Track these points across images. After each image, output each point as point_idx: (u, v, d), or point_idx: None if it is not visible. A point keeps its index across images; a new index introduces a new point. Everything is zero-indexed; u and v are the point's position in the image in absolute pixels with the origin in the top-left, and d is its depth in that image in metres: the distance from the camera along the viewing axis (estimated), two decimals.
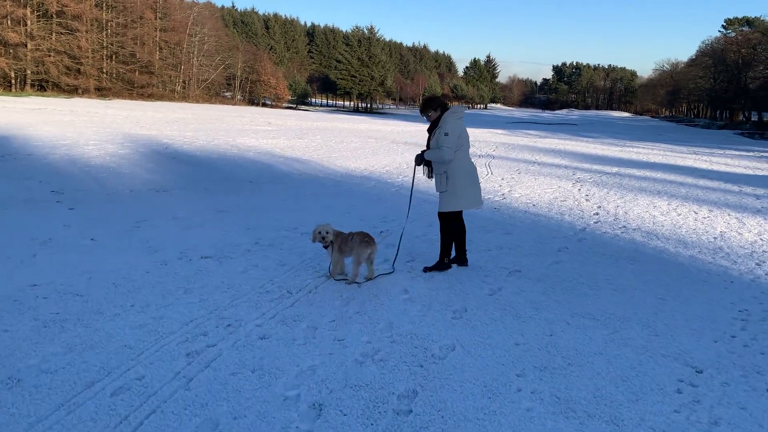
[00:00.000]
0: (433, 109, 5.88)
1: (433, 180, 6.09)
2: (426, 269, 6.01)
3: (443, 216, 6.01)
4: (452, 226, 6.04)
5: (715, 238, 8.34)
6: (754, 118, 68.26)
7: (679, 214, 10.04)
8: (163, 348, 3.90)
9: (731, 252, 7.54)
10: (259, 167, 14.13)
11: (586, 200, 11.16)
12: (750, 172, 18.22)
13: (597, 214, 9.78)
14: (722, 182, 14.92)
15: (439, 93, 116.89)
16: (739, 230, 8.94)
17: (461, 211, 6.10)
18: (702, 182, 14.75)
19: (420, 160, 6.01)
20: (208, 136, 21.50)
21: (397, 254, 6.29)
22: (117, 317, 4.42)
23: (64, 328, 4.15)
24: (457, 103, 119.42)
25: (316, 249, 6.39)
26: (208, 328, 4.30)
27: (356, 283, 5.50)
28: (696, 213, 10.24)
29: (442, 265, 6.05)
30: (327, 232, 5.45)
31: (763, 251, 7.65)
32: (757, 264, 6.98)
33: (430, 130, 5.94)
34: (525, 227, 8.53)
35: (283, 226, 7.80)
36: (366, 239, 5.55)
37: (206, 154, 15.94)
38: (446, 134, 5.64)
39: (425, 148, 6.00)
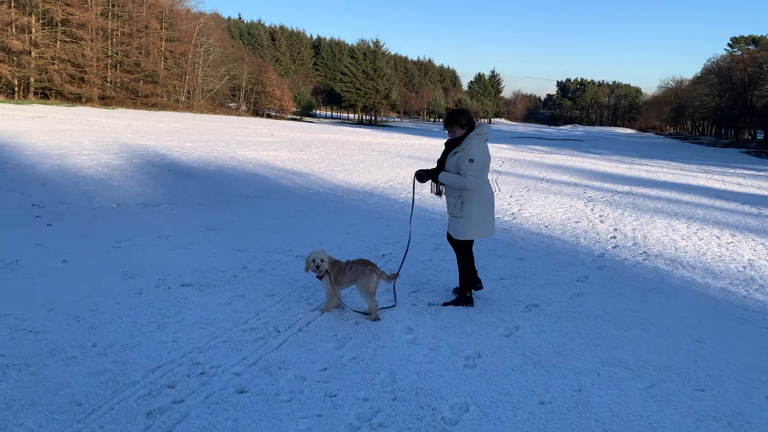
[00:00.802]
0: (460, 125, 5.16)
1: (443, 199, 5.50)
2: (446, 304, 5.38)
3: (458, 242, 5.41)
4: (469, 251, 5.43)
5: (744, 267, 7.68)
6: (760, 136, 67.61)
7: (701, 239, 9.38)
8: (119, 404, 3.26)
9: (765, 284, 6.88)
10: (257, 181, 13.52)
11: (601, 221, 10.51)
12: (765, 193, 17.56)
13: (614, 237, 9.13)
14: (739, 203, 14.26)
15: (442, 107, 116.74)
16: (767, 258, 8.29)
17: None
18: (719, 203, 14.09)
19: (422, 178, 5.37)
20: (208, 147, 20.93)
21: (395, 280, 5.47)
22: (72, 361, 3.78)
23: (6, 376, 3.52)
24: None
25: (310, 277, 5.75)
26: (178, 376, 3.66)
27: (378, 318, 4.88)
28: (718, 238, 9.58)
29: (464, 300, 5.42)
30: (322, 260, 4.82)
31: None
32: None
33: (449, 145, 5.30)
34: (539, 252, 7.88)
35: (276, 248, 7.16)
36: (369, 266, 4.92)
37: (203, 166, 15.34)
38: (471, 161, 5.02)
39: (436, 166, 5.40)
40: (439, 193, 5.49)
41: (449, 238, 5.53)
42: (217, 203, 10.27)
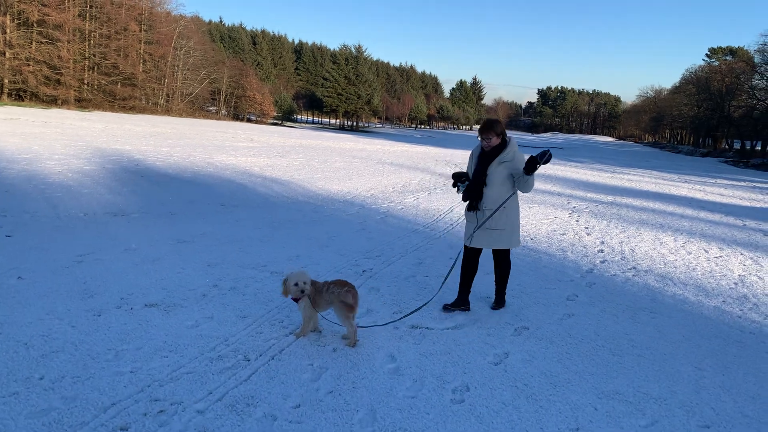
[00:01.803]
0: (496, 133, 5.27)
1: (480, 214, 5.40)
2: (495, 307, 5.74)
3: (506, 253, 5.64)
4: (510, 260, 5.75)
5: (735, 283, 7.46)
6: (737, 145, 68.46)
7: (690, 253, 9.17)
8: None
9: (759, 302, 6.64)
10: (234, 188, 13.09)
11: (587, 234, 10.26)
12: (747, 203, 17.52)
13: (602, 251, 8.87)
14: (723, 215, 14.14)
15: (424, 113, 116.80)
16: (758, 273, 8.07)
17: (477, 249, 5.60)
18: (703, 214, 13.96)
19: (467, 197, 5.44)
20: (185, 152, 20.43)
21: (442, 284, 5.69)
22: (14, 398, 3.37)
23: None
24: (439, 125, 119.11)
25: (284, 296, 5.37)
26: (133, 416, 3.27)
27: (356, 342, 4.52)
28: (707, 251, 9.38)
29: (504, 301, 5.84)
30: (305, 283, 4.44)
31: None
32: None
33: (483, 158, 5.38)
34: (525, 267, 7.58)
35: (250, 263, 6.76)
36: (346, 288, 4.55)
37: (178, 173, 14.87)
38: None
39: (467, 180, 5.48)
40: (476, 208, 5.42)
41: (502, 253, 5.62)
42: (191, 213, 9.83)
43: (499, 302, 5.74)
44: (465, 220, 5.65)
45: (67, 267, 6.09)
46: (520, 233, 6.19)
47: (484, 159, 5.36)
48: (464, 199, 5.49)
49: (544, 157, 5.06)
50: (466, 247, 5.58)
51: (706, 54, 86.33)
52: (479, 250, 5.58)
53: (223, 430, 3.20)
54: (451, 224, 10.29)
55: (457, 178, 5.48)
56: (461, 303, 5.60)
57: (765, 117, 56.75)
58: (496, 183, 5.25)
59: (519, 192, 5.39)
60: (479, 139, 5.37)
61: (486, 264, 7.36)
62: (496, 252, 5.61)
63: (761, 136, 59.98)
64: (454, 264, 5.77)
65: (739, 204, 17.01)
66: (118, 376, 3.73)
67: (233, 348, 4.29)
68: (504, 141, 5.31)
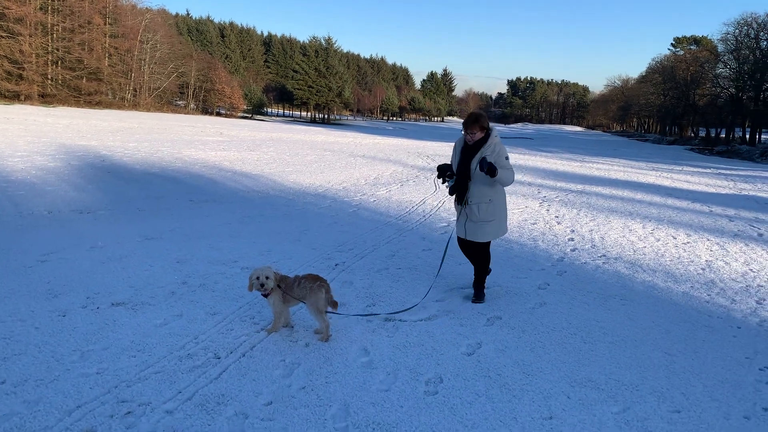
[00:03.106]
0: (481, 127, 5.30)
1: (467, 208, 5.47)
2: (475, 301, 5.65)
3: (487, 245, 5.68)
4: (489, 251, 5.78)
5: (703, 269, 7.58)
6: (702, 133, 69.79)
7: (658, 239, 9.30)
8: None
9: (725, 287, 6.76)
10: (203, 183, 12.90)
11: (558, 223, 10.34)
12: (713, 190, 17.85)
13: (572, 240, 8.95)
14: (690, 201, 14.39)
15: (395, 105, 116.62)
16: (724, 258, 8.22)
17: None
18: (670, 201, 14.18)
19: (493, 172, 5.19)
20: (152, 147, 20.07)
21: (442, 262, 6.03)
22: None
23: None
24: (411, 117, 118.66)
25: (256, 293, 5.30)
26: (99, 419, 3.18)
27: (329, 337, 4.47)
28: (674, 238, 9.52)
29: (484, 294, 5.77)
30: (267, 278, 4.37)
31: (758, 285, 6.89)
32: (757, 303, 6.19)
33: (466, 151, 5.41)
34: (497, 257, 7.60)
35: (220, 259, 6.66)
36: (318, 282, 4.50)
37: (146, 168, 14.60)
38: (506, 158, 5.33)
39: (450, 172, 5.52)
40: (463, 201, 5.48)
41: (466, 243, 5.68)
42: (159, 209, 9.65)
43: (478, 296, 5.69)
44: (455, 212, 5.78)
45: (30, 267, 5.93)
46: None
47: (467, 153, 5.39)
48: (451, 194, 5.56)
49: (484, 168, 5.13)
50: (459, 238, 5.73)
51: (671, 43, 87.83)
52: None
53: (192, 430, 3.14)
54: (424, 216, 10.28)
55: (442, 172, 5.52)
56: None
57: (728, 105, 57.96)
58: (480, 176, 5.26)
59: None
60: (462, 132, 5.39)
61: (456, 254, 7.38)
62: (477, 244, 5.63)
63: (725, 124, 61.19)
64: (443, 259, 6.00)
65: (705, 191, 17.33)
66: (83, 378, 3.63)
67: (203, 346, 4.21)
68: (487, 134, 5.32)
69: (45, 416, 3.18)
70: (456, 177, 5.48)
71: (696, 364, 4.46)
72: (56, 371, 3.70)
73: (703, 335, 5.13)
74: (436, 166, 5.58)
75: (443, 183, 5.61)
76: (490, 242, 5.68)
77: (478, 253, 5.67)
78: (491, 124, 5.44)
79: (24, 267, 5.91)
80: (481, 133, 5.30)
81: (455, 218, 5.63)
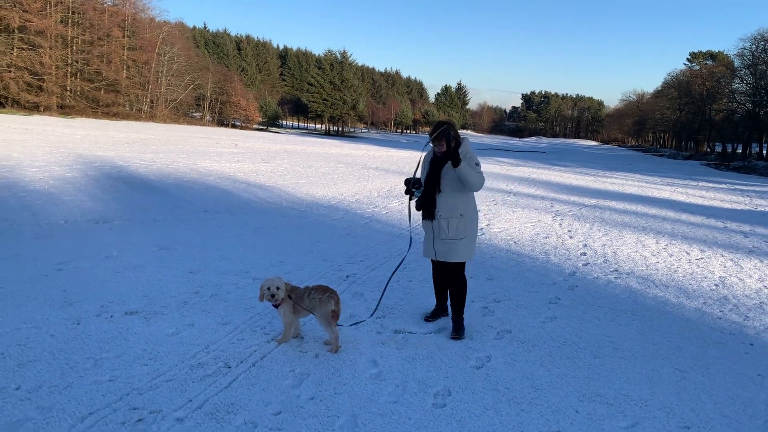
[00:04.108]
0: (447, 140, 4.80)
1: (436, 223, 4.99)
2: (455, 338, 4.98)
3: (460, 265, 5.09)
4: (465, 276, 5.18)
5: (716, 285, 7.53)
6: (718, 148, 69.26)
7: (671, 255, 9.25)
8: None
9: (739, 303, 6.71)
10: (218, 194, 13.02)
11: (570, 237, 10.32)
12: (728, 205, 17.72)
13: (584, 254, 8.93)
14: (704, 217, 14.29)
15: (409, 118, 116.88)
16: (738, 275, 8.15)
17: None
18: (684, 217, 14.10)
19: (421, 206, 5.00)
20: (168, 158, 20.30)
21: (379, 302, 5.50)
22: None
23: None
24: (425, 130, 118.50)
25: (267, 303, 5.34)
26: (111, 426, 3.23)
27: (339, 348, 4.51)
28: (688, 254, 9.46)
29: (463, 327, 5.11)
30: (278, 288, 4.42)
31: None
32: None
33: (435, 163, 4.99)
34: (509, 270, 7.61)
35: (232, 269, 6.72)
36: (328, 293, 4.54)
37: (161, 179, 14.77)
38: (477, 164, 4.86)
39: (419, 186, 5.08)
40: (431, 216, 5.00)
41: (439, 265, 5.26)
42: (173, 219, 9.76)
43: (457, 330, 5.06)
44: (423, 231, 5.31)
45: (46, 275, 6.02)
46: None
47: (436, 164, 4.98)
48: (417, 208, 5.12)
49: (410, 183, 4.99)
50: (433, 262, 5.33)
51: (687, 58, 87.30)
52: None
53: None
54: None
55: (410, 185, 5.09)
56: (440, 312, 5.46)
57: (745, 120, 57.52)
58: (450, 188, 4.88)
59: (473, 192, 5.03)
60: (430, 144, 5.02)
61: (467, 267, 7.38)
62: (450, 266, 5.11)
63: (741, 139, 60.71)
64: (396, 269, 5.82)
65: (721, 206, 17.20)
66: (96, 385, 3.68)
67: (214, 355, 4.26)
68: (458, 144, 4.90)
69: (58, 422, 3.23)
70: (423, 189, 5.05)
71: (707, 381, 4.43)
72: (70, 378, 3.76)
73: (715, 352, 5.10)
74: (404, 179, 5.18)
75: (410, 198, 5.17)
76: (464, 265, 5.14)
77: (452, 277, 5.14)
78: (462, 133, 5.21)
79: (40, 275, 6.01)
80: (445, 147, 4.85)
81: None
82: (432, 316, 5.42)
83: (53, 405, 3.41)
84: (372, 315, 5.35)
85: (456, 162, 4.69)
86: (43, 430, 3.15)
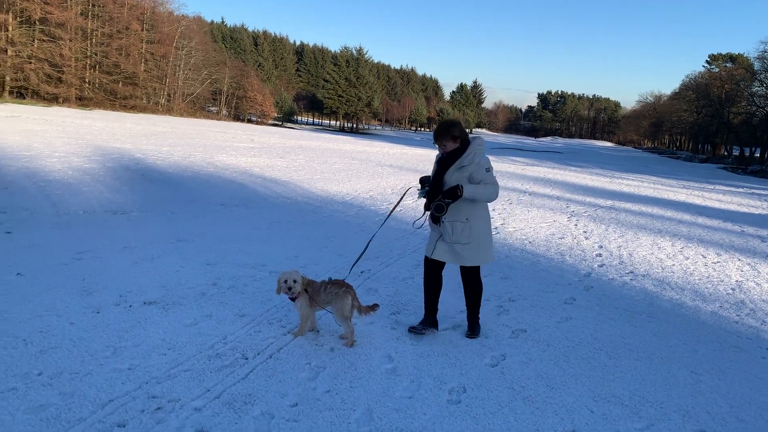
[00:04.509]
0: (453, 138, 4.60)
1: (441, 226, 4.73)
2: (471, 336, 4.94)
3: (475, 270, 4.92)
4: (480, 276, 4.99)
5: (733, 289, 7.48)
6: (735, 152, 68.49)
7: (687, 258, 9.19)
8: None
9: (756, 308, 6.66)
10: (234, 188, 13.11)
11: (586, 238, 10.28)
12: (745, 209, 17.55)
13: (600, 255, 8.89)
14: (721, 221, 14.17)
15: (424, 116, 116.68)
16: (756, 279, 8.08)
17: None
18: (701, 220, 13.99)
19: (441, 208, 4.56)
20: (185, 151, 20.44)
21: (355, 263, 5.40)
22: (12, 393, 3.38)
23: None
24: (477, 131, 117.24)
25: (283, 296, 5.38)
26: (131, 413, 3.28)
27: (354, 343, 4.54)
28: (704, 257, 9.39)
29: (479, 327, 5.06)
30: (294, 281, 4.45)
31: None
32: None
33: (443, 163, 4.73)
34: (524, 270, 7.60)
35: (249, 262, 6.78)
36: (344, 288, 4.57)
37: (179, 172, 14.88)
38: (488, 170, 4.60)
39: (429, 188, 4.81)
40: (438, 220, 4.71)
41: (433, 267, 4.93)
42: (191, 212, 9.84)
43: (472, 329, 5.00)
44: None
45: (66, 264, 6.11)
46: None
47: (443, 164, 4.75)
48: (425, 208, 4.86)
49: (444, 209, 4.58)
50: (427, 258, 4.97)
51: (706, 60, 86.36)
52: (442, 264, 4.95)
53: (220, 427, 3.22)
54: None
55: (423, 183, 4.89)
56: (428, 323, 4.96)
57: (764, 124, 56.80)
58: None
59: (486, 204, 4.82)
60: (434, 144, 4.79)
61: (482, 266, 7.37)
62: (462, 269, 4.94)
63: (760, 143, 59.97)
64: (367, 245, 5.40)
65: (738, 210, 17.04)
66: (116, 373, 3.74)
67: (231, 346, 4.31)
68: (465, 142, 4.66)
69: (79, 408, 3.29)
70: (429, 191, 4.81)
71: (723, 384, 4.41)
72: (90, 365, 3.82)
73: (731, 355, 5.07)
74: (419, 178, 5.00)
75: (419, 196, 4.94)
76: (478, 269, 4.93)
77: (466, 280, 4.95)
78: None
79: (60, 264, 6.09)
80: (454, 144, 4.62)
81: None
82: (417, 328, 4.90)
83: (74, 391, 3.47)
84: (349, 273, 5.42)
85: (454, 197, 4.49)
86: (64, 415, 3.21)
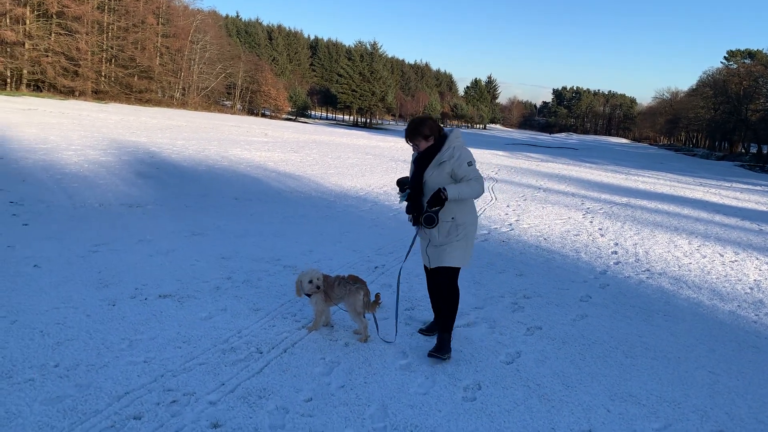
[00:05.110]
0: (425, 137, 4.32)
1: (430, 231, 4.39)
2: (432, 355, 4.28)
3: (452, 271, 4.44)
4: (457, 286, 4.53)
5: (751, 288, 7.38)
6: (753, 149, 67.66)
7: (704, 256, 9.08)
8: None
9: None
10: (248, 182, 13.14)
11: (601, 235, 10.19)
12: (763, 208, 17.34)
13: (616, 253, 8.81)
14: (739, 219, 13.99)
15: (438, 111, 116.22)
16: None
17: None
18: (718, 218, 13.82)
19: (431, 220, 4.16)
20: (200, 145, 20.52)
21: (396, 326, 4.75)
22: (29, 385, 3.40)
23: None
24: (453, 123, 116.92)
25: None
26: (147, 405, 3.29)
27: (368, 338, 4.54)
28: (722, 255, 9.28)
29: (448, 347, 4.37)
30: (318, 279, 4.44)
31: None
32: None
33: (420, 161, 4.39)
34: (539, 267, 7.55)
35: (263, 257, 6.79)
36: (357, 284, 4.55)
37: (193, 166, 14.94)
38: (470, 163, 4.24)
39: (410, 191, 4.42)
40: (430, 224, 4.21)
41: (444, 270, 4.44)
42: (205, 206, 9.87)
43: (440, 347, 4.33)
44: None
45: (82, 257, 6.15)
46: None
47: (420, 163, 4.40)
48: (407, 212, 4.50)
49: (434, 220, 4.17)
50: (426, 267, 4.73)
51: (724, 57, 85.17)
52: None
53: (235, 421, 3.22)
54: None
55: (401, 185, 4.52)
56: (436, 327, 4.68)
57: None
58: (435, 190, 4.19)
59: (472, 201, 4.45)
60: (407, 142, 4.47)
61: (497, 262, 7.35)
62: (439, 273, 4.47)
63: None
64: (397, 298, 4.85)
65: (755, 208, 16.84)
66: (131, 366, 3.75)
67: (246, 340, 4.31)
68: (441, 137, 4.37)
69: (95, 400, 3.31)
70: (409, 193, 4.43)
71: (741, 385, 4.35)
72: (106, 358, 3.84)
73: (750, 356, 5.01)
74: (396, 180, 4.60)
75: (401, 200, 4.55)
76: (457, 272, 4.49)
77: (441, 284, 4.50)
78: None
79: (76, 256, 6.13)
80: (427, 142, 4.34)
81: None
82: (428, 330, 4.84)
83: (90, 383, 3.49)
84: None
85: (440, 203, 4.12)
86: (81, 406, 3.22)
